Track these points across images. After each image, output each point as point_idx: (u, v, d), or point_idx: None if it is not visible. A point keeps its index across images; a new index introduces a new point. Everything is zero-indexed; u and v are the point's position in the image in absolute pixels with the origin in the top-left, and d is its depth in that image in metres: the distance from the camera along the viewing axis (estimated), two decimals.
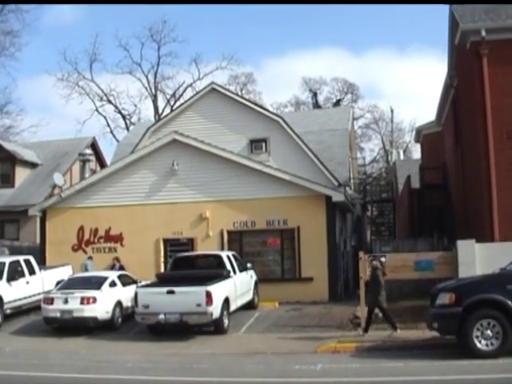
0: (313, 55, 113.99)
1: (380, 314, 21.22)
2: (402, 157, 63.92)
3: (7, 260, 27.45)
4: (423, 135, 44.96)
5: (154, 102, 71.76)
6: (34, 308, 26.77)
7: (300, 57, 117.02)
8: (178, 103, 64.82)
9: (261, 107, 40.79)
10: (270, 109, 56.46)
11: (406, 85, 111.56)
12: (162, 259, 30.92)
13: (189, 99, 40.80)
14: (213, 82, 40.17)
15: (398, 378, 14.79)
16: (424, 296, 20.01)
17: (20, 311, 26.91)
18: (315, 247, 29.26)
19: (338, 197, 29.79)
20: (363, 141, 79.15)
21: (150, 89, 72.24)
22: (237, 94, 44.53)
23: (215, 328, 22.31)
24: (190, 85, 71.82)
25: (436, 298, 17.31)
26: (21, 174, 43.85)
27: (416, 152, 69.05)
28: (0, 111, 73.08)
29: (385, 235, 34.62)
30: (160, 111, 69.91)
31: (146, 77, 72.07)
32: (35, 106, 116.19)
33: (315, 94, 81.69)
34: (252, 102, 41.47)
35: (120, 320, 24.59)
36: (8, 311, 26.16)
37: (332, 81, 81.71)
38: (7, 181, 43.52)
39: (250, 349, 19.57)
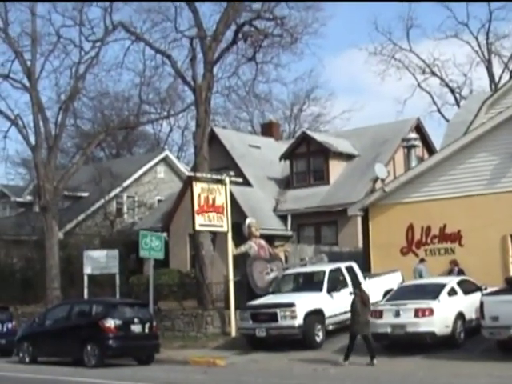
0: None
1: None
2: None
3: (327, 268, 28.33)
4: None
5: (488, 68, 68.48)
6: None
7: None
8: None
9: None
10: None
11: None
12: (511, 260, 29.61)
13: None
14: None
15: None
16: None
17: (343, 326, 26.66)
18: None
19: None
20: None
21: (482, 53, 69.06)
22: None
23: None
24: None
25: None
26: (335, 169, 43.85)
27: None
28: (307, 98, 74.55)
29: None
30: (496, 79, 66.43)
31: (476, 38, 68.99)
32: (345, 88, 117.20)
33: None
34: None
35: (462, 335, 24.10)
36: (330, 327, 26.82)
37: None
38: (321, 177, 43.60)
39: None
